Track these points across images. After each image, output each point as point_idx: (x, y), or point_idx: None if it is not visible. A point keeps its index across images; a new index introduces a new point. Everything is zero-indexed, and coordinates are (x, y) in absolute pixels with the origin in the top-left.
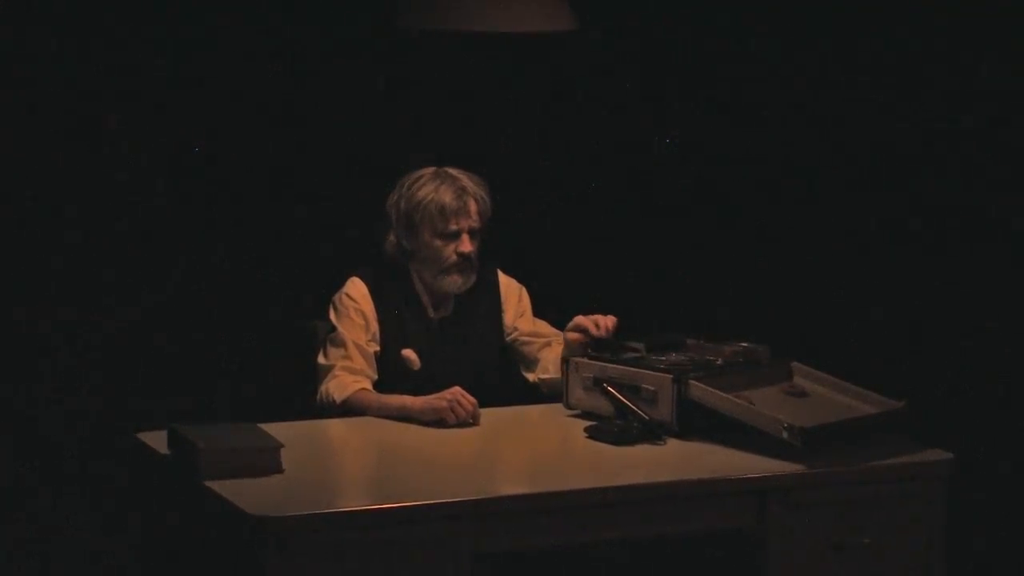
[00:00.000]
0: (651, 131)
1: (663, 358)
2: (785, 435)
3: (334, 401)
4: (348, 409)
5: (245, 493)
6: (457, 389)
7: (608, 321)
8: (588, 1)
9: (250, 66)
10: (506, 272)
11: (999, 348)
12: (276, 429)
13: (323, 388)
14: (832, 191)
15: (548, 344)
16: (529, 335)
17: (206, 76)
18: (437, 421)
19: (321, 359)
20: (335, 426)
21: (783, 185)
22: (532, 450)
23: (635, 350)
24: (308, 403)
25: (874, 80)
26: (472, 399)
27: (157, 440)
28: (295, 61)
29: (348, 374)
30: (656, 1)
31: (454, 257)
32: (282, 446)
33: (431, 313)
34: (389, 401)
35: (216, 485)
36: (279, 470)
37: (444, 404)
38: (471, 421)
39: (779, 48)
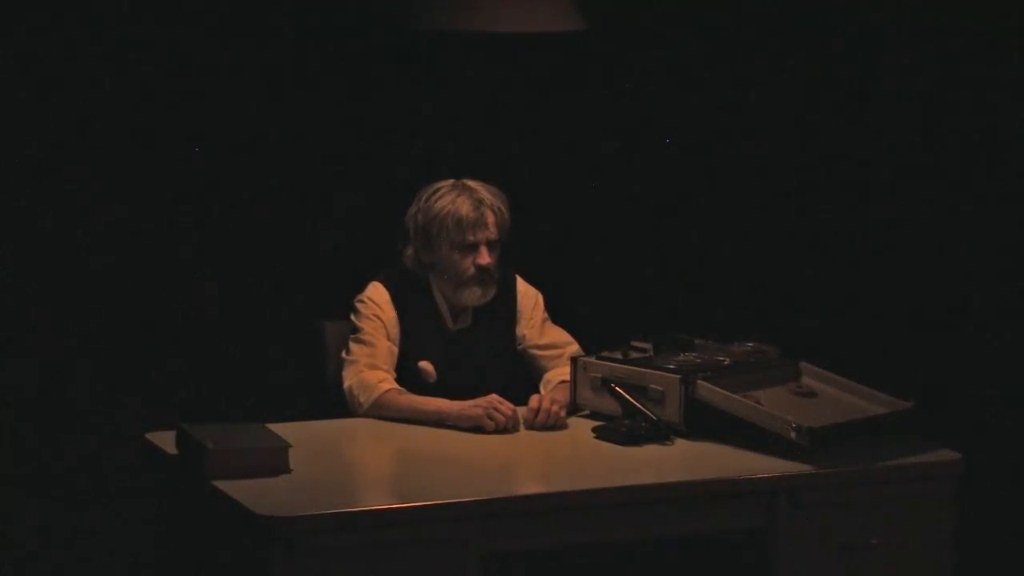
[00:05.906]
0: (653, 131)
1: (671, 358)
2: (793, 435)
3: (360, 403)
4: (376, 411)
5: (253, 493)
6: (494, 397)
7: (551, 408)
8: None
9: (258, 66)
10: (524, 276)
11: (1007, 348)
12: (284, 429)
13: (347, 386)
14: (840, 190)
15: (558, 357)
16: (536, 346)
17: (217, 77)
18: (475, 428)
19: (344, 354)
20: (343, 426)
21: (792, 184)
22: (540, 450)
23: (642, 350)
24: (316, 403)
25: (875, 79)
26: (509, 405)
27: (165, 440)
28: (305, 61)
29: (370, 371)
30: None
31: (472, 270)
32: (290, 446)
33: (450, 325)
34: (424, 406)
35: (224, 485)
36: (287, 470)
37: (480, 411)
38: (511, 427)
39: (780, 46)
